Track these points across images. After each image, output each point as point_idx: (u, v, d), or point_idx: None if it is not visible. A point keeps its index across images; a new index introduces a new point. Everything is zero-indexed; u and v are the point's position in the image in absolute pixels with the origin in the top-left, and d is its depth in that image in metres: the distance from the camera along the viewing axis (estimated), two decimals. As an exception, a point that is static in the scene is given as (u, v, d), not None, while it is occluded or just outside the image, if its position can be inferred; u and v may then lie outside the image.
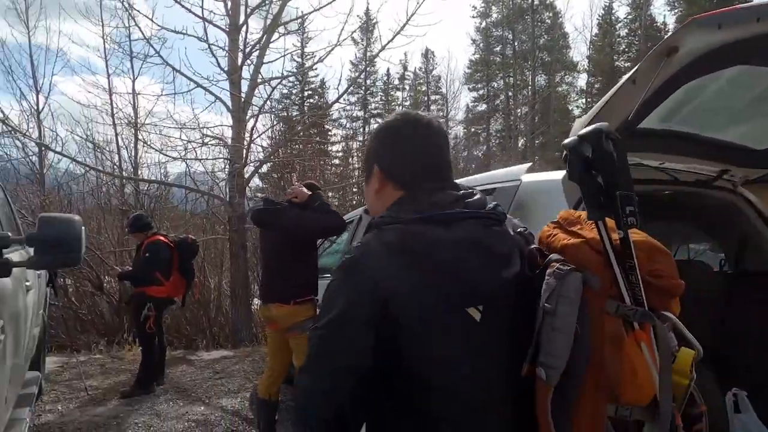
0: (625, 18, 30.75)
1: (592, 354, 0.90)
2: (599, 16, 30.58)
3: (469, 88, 33.11)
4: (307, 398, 0.91)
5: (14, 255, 2.54)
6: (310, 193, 3.26)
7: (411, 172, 1.02)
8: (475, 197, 1.00)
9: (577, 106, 30.80)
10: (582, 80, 31.48)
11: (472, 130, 32.22)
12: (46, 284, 4.57)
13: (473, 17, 33.00)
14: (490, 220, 0.98)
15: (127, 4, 8.38)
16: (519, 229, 1.05)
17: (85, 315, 8.71)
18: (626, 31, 30.87)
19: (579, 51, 35.31)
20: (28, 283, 2.94)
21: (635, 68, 1.56)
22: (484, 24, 32.89)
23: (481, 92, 33.25)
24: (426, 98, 33.29)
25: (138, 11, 8.47)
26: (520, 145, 28.18)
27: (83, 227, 2.37)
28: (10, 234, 2.34)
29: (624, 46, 30.91)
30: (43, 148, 9.95)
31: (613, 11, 30.68)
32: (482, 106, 33.04)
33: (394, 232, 0.94)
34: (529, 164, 2.25)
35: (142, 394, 4.80)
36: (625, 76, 1.61)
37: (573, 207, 1.92)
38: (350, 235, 4.02)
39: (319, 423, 0.88)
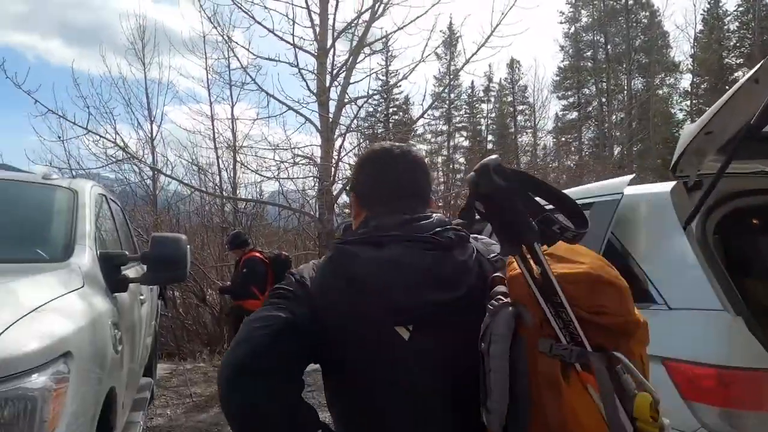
0: (734, 11, 28.07)
1: (533, 397, 0.84)
2: (704, 10, 28.16)
3: (558, 96, 31.89)
4: (237, 348, 0.88)
5: (130, 271, 2.79)
6: None
7: (382, 200, 1.06)
8: (424, 221, 1.01)
9: (681, 109, 28.48)
10: (686, 81, 29.08)
11: (563, 139, 30.90)
12: (158, 297, 4.99)
13: (561, 23, 31.88)
14: (427, 244, 0.97)
15: (227, 37, 9.08)
16: (491, 255, 1.03)
17: (191, 325, 9.40)
18: (737, 24, 28.14)
19: (681, 50, 32.77)
20: (142, 297, 3.21)
21: (758, 66, 1.39)
22: (573, 29, 31.62)
23: (571, 100, 31.84)
24: (512, 109, 32.52)
25: (236, 43, 9.14)
26: (616, 153, 26.51)
27: (188, 246, 2.56)
28: (127, 253, 2.59)
29: (735, 41, 28.18)
30: (155, 172, 10.96)
31: (721, 4, 28.12)
32: (573, 114, 31.63)
33: (333, 250, 1.00)
34: (632, 176, 2.08)
35: (240, 403, 5.04)
36: (746, 75, 1.43)
37: (684, 223, 1.75)
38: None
39: (242, 368, 0.85)
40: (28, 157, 8.91)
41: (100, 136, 8.65)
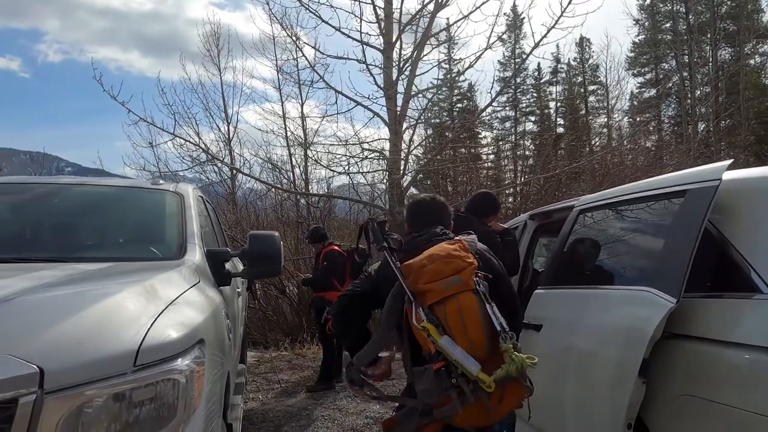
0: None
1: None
2: (802, -33, 25.35)
3: (633, 74, 30.04)
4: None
5: (228, 266, 3.03)
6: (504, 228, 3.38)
7: (416, 226, 2.10)
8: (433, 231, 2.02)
9: (777, 79, 25.90)
10: (782, 47, 26.36)
11: (638, 119, 29.09)
12: (246, 289, 5.33)
13: (636, -5, 29.92)
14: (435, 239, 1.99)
15: (295, 38, 9.39)
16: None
17: (272, 315, 9.89)
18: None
19: (775, 13, 29.53)
20: (239, 290, 3.47)
21: None
22: (649, 0, 29.62)
23: (648, 76, 29.93)
24: (582, 90, 31.05)
25: (305, 42, 9.42)
26: (701, 130, 24.59)
27: (281, 242, 2.75)
28: (229, 249, 2.81)
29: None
30: (234, 171, 11.58)
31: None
32: (650, 92, 29.71)
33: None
34: (731, 161, 1.99)
35: (324, 390, 5.31)
36: None
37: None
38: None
39: None
40: (124, 162, 9.64)
41: (185, 140, 9.27)
